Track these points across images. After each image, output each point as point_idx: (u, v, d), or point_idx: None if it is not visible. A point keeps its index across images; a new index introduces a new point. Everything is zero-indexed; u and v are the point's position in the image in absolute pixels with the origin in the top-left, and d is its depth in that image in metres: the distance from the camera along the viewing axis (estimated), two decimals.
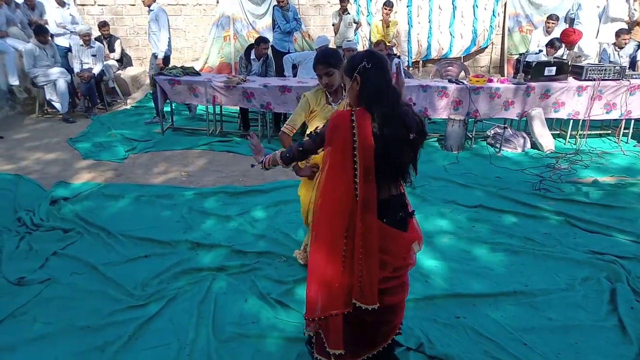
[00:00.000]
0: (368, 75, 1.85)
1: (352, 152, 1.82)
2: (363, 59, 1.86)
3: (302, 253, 3.25)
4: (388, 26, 8.36)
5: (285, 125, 2.84)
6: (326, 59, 2.62)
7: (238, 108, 6.34)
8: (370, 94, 1.85)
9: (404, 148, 1.89)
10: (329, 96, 2.74)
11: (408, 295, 2.84)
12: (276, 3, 7.91)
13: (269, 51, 7.79)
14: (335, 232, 1.89)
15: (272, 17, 8.11)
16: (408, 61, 9.78)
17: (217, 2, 9.51)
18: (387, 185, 1.94)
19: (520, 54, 6.40)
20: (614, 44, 6.72)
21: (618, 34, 6.67)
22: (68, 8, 7.81)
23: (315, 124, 2.72)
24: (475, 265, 3.31)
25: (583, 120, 5.99)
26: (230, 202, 4.25)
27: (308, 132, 2.78)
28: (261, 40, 6.44)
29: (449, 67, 7.81)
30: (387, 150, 1.84)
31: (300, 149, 2.14)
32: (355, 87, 1.89)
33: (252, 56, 6.47)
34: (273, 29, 8.08)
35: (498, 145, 5.85)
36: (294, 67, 6.70)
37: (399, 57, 7.06)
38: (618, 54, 6.64)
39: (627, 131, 6.27)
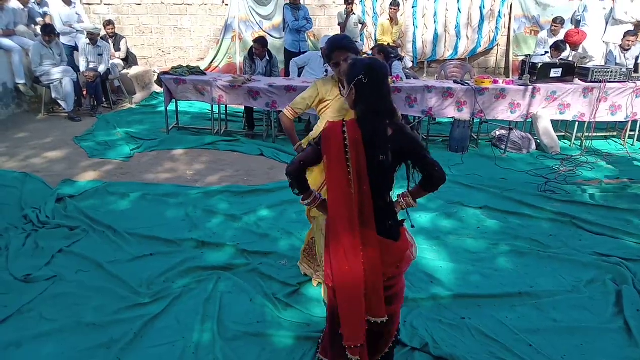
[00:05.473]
0: (363, 90, 1.82)
1: (346, 164, 1.80)
2: (362, 72, 1.82)
3: (306, 266, 3.09)
4: (397, 24, 8.33)
5: (288, 106, 2.63)
6: (343, 44, 2.46)
7: (243, 107, 6.36)
8: (362, 109, 1.84)
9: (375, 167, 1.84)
10: (341, 88, 2.52)
11: (414, 295, 2.88)
12: (287, 2, 7.87)
13: (283, 52, 7.82)
14: (346, 243, 1.84)
15: (283, 17, 8.09)
16: (413, 62, 9.77)
17: (223, 2, 9.53)
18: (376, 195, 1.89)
19: (526, 56, 6.37)
20: (620, 45, 6.70)
21: (625, 35, 6.65)
22: (74, 7, 7.84)
23: (328, 116, 2.56)
24: (480, 266, 3.31)
25: (588, 122, 5.98)
26: (235, 202, 4.26)
27: (319, 123, 2.65)
28: (255, 40, 6.49)
29: (454, 68, 7.80)
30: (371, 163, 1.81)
31: (302, 162, 1.94)
32: (351, 95, 1.87)
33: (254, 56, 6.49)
34: (284, 29, 8.06)
35: (503, 147, 5.84)
36: (300, 69, 6.70)
37: (399, 59, 7.02)
38: (624, 56, 6.62)
39: (632, 133, 6.26)
